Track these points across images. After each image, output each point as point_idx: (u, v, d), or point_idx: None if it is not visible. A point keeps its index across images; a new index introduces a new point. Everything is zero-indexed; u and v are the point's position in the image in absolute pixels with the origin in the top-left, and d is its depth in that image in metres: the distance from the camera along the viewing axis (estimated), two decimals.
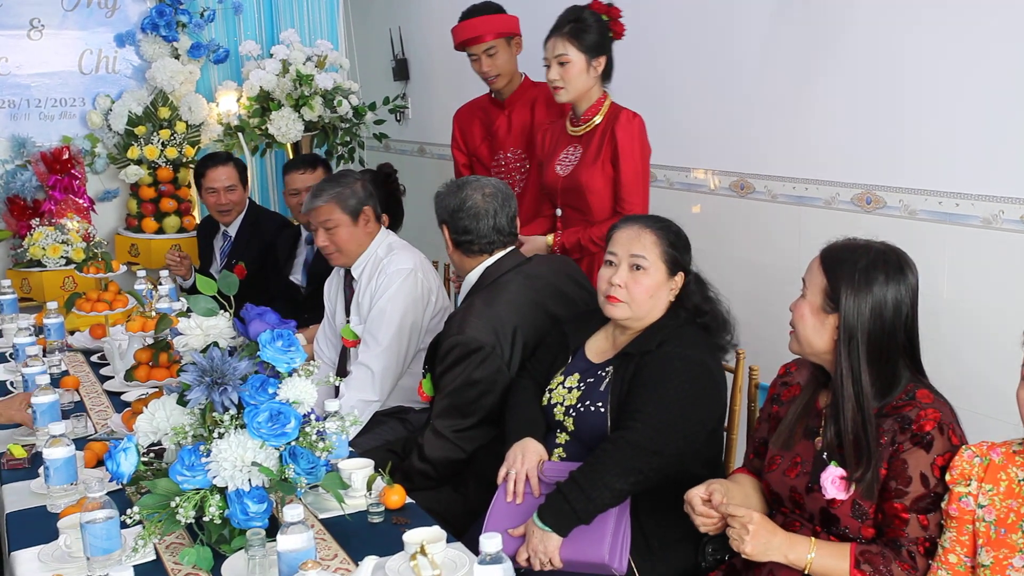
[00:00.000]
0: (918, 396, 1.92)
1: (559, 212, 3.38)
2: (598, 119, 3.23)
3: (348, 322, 3.22)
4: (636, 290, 2.33)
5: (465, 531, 2.44)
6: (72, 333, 3.69)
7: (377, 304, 3.08)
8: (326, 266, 3.82)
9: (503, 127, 3.77)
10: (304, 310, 3.94)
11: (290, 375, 2.09)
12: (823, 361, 2.02)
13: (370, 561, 1.64)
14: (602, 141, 3.20)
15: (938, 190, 3.05)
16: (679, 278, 2.38)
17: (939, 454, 1.85)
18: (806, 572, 1.93)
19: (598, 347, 2.47)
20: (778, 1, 3.49)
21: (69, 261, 4.36)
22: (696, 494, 2.04)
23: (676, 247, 2.38)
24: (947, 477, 1.81)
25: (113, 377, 3.21)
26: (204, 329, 2.18)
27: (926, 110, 3.05)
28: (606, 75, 3.24)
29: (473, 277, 2.77)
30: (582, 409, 2.36)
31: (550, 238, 3.34)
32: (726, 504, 1.99)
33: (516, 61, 3.74)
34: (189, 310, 2.19)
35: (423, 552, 1.14)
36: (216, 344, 2.14)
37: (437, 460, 2.64)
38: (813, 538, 1.94)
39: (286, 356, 2.09)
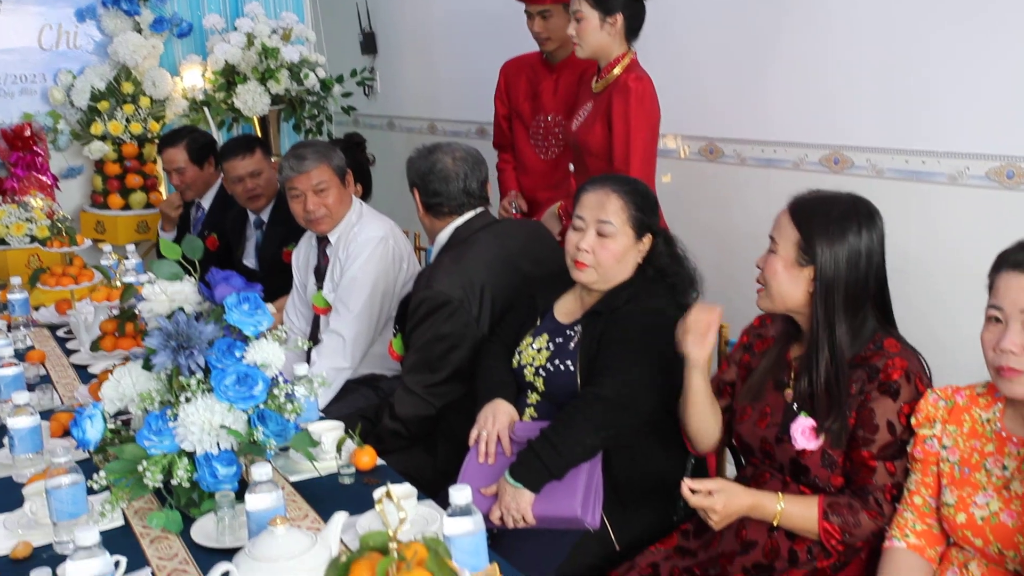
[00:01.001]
0: (886, 346, 1.93)
1: (571, 167, 3.36)
2: (615, 75, 3.14)
3: (320, 290, 3.20)
4: (603, 255, 2.33)
5: (437, 493, 2.43)
6: (37, 309, 3.64)
7: (348, 272, 3.06)
8: (276, 250, 3.80)
9: (548, 90, 3.70)
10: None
11: (257, 338, 2.07)
12: (796, 315, 2.03)
13: (340, 516, 1.63)
14: (606, 100, 3.14)
15: (905, 148, 3.07)
16: (647, 240, 2.37)
17: (906, 402, 1.87)
18: (776, 523, 1.94)
19: (567, 308, 2.47)
20: None
21: (34, 239, 4.30)
22: (687, 492, 1.95)
23: (643, 210, 2.36)
24: (912, 421, 1.82)
25: (79, 351, 3.17)
26: (169, 295, 2.15)
27: (891, 69, 3.06)
28: (632, 31, 3.16)
29: (443, 237, 2.77)
30: (552, 369, 2.36)
31: (555, 207, 3.33)
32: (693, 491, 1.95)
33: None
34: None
35: (389, 496, 1.13)
36: (181, 309, 2.11)
37: (408, 417, 2.65)
38: (780, 492, 1.95)
39: (252, 319, 2.07)
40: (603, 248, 2.33)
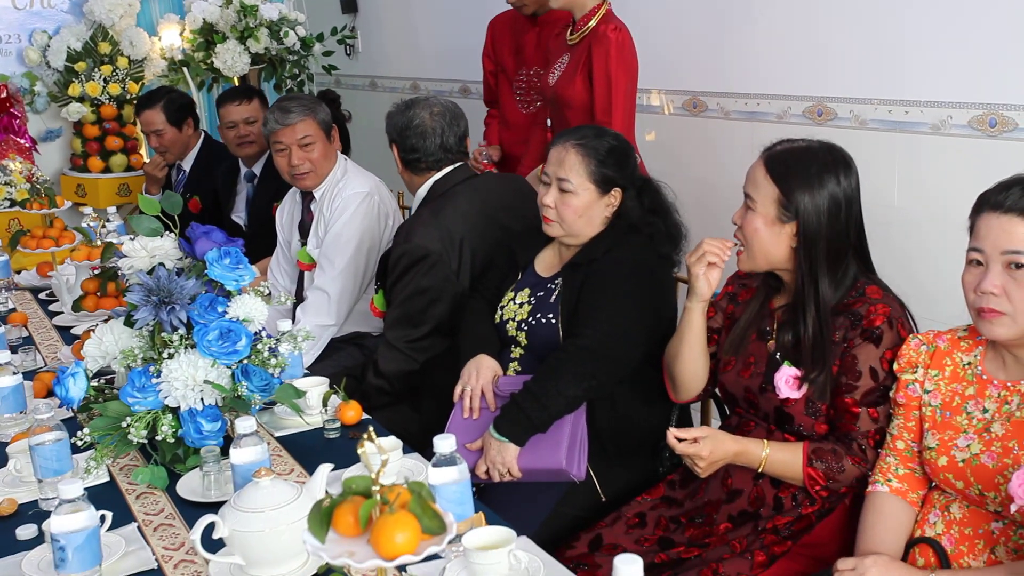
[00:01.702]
0: (868, 292, 1.93)
1: (549, 123, 3.32)
2: (591, 26, 3.11)
3: (304, 246, 3.18)
4: (564, 211, 2.32)
5: (423, 450, 2.44)
6: (19, 272, 3.61)
7: (333, 228, 3.05)
8: (268, 203, 3.77)
9: (530, 44, 3.68)
10: (248, 250, 3.87)
11: (239, 293, 2.06)
12: (780, 270, 2.02)
13: (325, 468, 1.63)
14: (584, 52, 3.11)
15: (888, 99, 3.06)
16: (615, 194, 2.34)
17: (888, 348, 1.87)
18: (761, 470, 1.96)
19: (547, 262, 2.47)
20: None
21: (13, 203, 4.25)
22: (672, 439, 1.96)
23: (607, 164, 2.32)
24: (895, 366, 1.83)
25: (62, 312, 3.15)
26: (149, 250, 2.14)
27: (874, 19, 3.04)
28: None
29: (423, 192, 2.76)
30: (533, 322, 2.36)
31: (538, 169, 3.29)
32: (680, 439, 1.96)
33: None
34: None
35: (370, 438, 1.13)
36: (162, 264, 2.10)
37: (391, 373, 2.65)
38: (766, 439, 1.96)
39: (234, 274, 2.06)
40: (564, 204, 2.32)
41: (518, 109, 3.72)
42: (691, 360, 2.13)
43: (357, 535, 1.12)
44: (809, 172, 1.91)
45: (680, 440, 1.94)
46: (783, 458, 1.94)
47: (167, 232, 2.15)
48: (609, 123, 2.97)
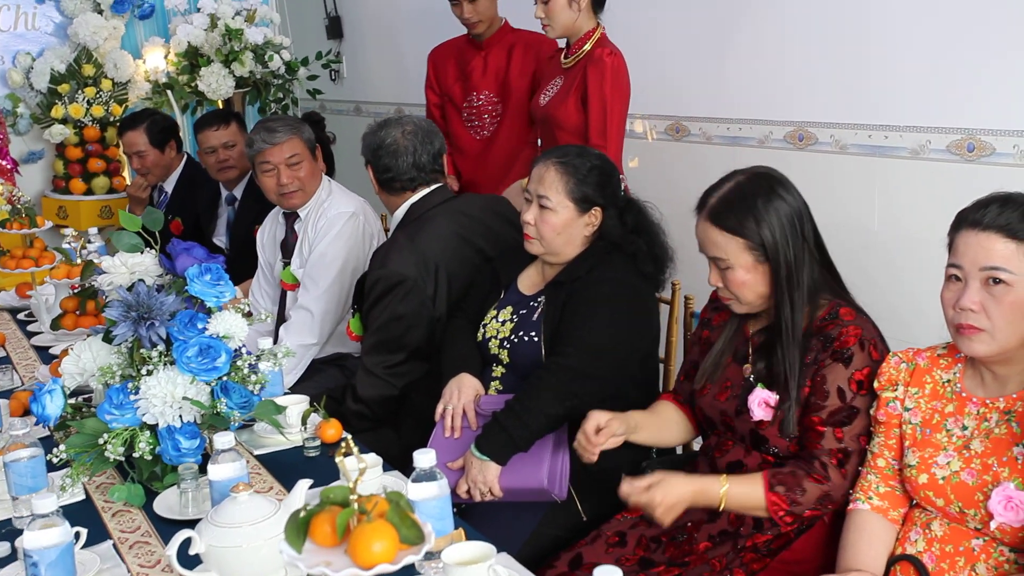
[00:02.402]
0: (841, 314, 1.94)
1: (539, 142, 3.35)
2: (586, 49, 3.16)
3: (287, 265, 3.17)
4: (544, 228, 2.33)
5: (404, 470, 2.43)
6: None
7: (318, 247, 3.04)
8: (249, 226, 3.76)
9: (478, 69, 3.72)
10: (230, 273, 3.86)
11: (219, 309, 2.05)
12: (767, 305, 2.00)
13: (304, 484, 1.62)
14: (579, 75, 3.14)
15: (867, 124, 3.09)
16: (595, 213, 2.35)
17: (857, 369, 1.88)
18: (721, 507, 1.93)
19: (530, 280, 2.47)
20: None
21: None
22: (593, 419, 2.02)
23: (587, 183, 2.33)
24: (875, 384, 1.83)
25: (41, 332, 3.12)
26: (129, 267, 2.12)
27: (853, 45, 3.08)
28: (598, 5, 3.17)
29: (400, 214, 2.76)
30: (516, 340, 2.36)
31: (524, 181, 3.30)
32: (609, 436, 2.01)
33: (496, 5, 3.69)
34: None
35: (348, 447, 1.12)
36: (142, 280, 2.09)
37: (371, 399, 2.63)
38: (724, 475, 1.95)
39: (215, 290, 2.05)
40: (543, 221, 2.33)
41: (470, 135, 3.75)
42: (665, 443, 2.21)
43: (334, 545, 1.11)
44: (757, 208, 1.92)
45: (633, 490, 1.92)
46: (743, 490, 1.92)
47: (147, 248, 2.14)
48: (604, 146, 2.99)
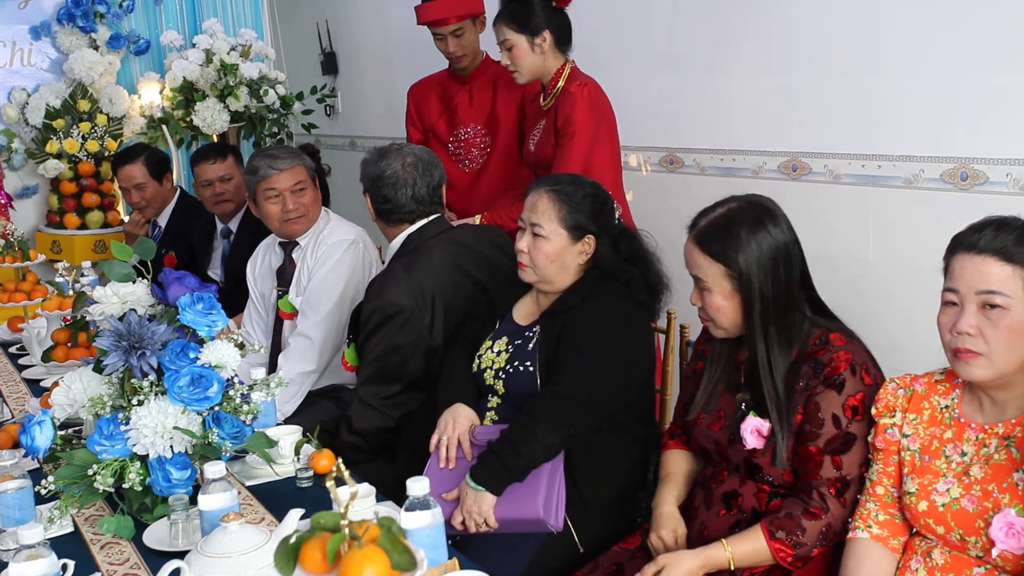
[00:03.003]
0: (831, 339, 1.93)
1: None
2: (560, 85, 3.16)
3: (284, 294, 3.15)
4: (536, 256, 2.32)
5: (398, 501, 2.40)
6: None
7: (318, 274, 3.04)
8: (244, 259, 3.75)
9: (464, 103, 3.71)
10: (224, 306, 3.84)
11: (212, 339, 2.03)
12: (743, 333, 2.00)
13: (295, 513, 1.59)
14: (555, 115, 3.13)
15: (861, 153, 3.09)
16: (588, 241, 2.35)
17: (851, 394, 1.86)
18: (732, 568, 1.90)
19: (525, 310, 2.46)
20: None
21: None
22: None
23: (580, 211, 2.32)
24: (873, 410, 1.82)
25: (32, 366, 3.10)
26: (121, 296, 2.11)
27: (847, 75, 3.09)
28: (563, 42, 3.15)
29: (396, 244, 2.75)
30: (511, 370, 2.34)
31: (476, 218, 3.27)
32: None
33: (479, 39, 3.69)
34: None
35: (339, 472, 1.11)
36: (134, 310, 2.07)
37: (366, 431, 2.61)
38: (724, 540, 1.92)
39: (207, 319, 2.03)
40: (536, 249, 2.32)
41: (458, 169, 3.71)
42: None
43: (325, 571, 1.09)
44: (740, 237, 1.92)
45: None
46: (746, 548, 1.89)
47: (140, 278, 2.13)
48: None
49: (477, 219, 3.27)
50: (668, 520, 2.05)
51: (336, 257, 3.03)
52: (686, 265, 2.01)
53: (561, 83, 3.15)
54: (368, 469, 2.57)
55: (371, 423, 2.62)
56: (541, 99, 3.26)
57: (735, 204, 1.98)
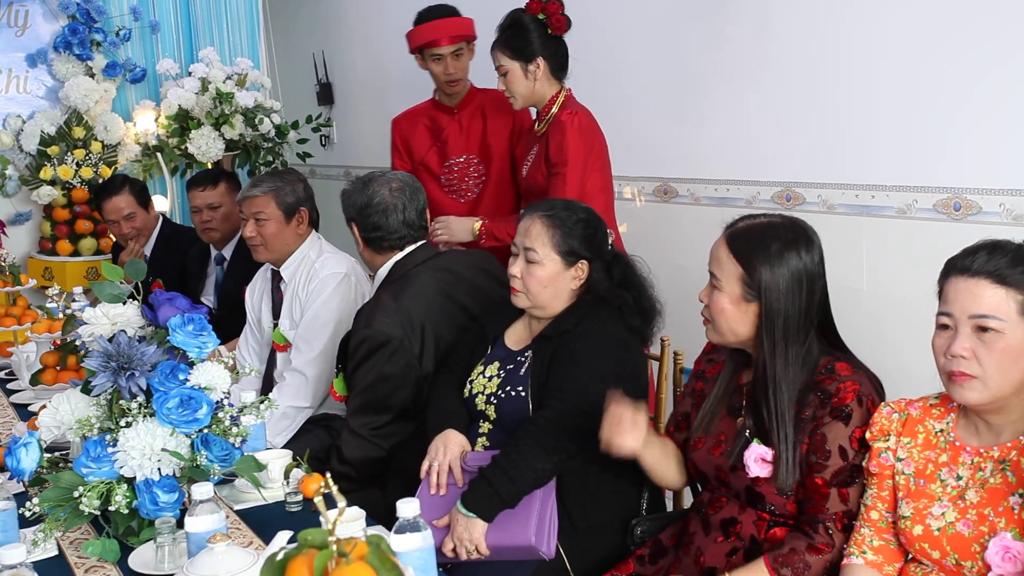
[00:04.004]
0: (837, 369, 1.90)
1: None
2: (554, 112, 3.17)
3: (276, 325, 3.14)
4: (530, 281, 2.32)
5: (389, 528, 2.37)
6: None
7: (311, 308, 3.02)
8: (238, 287, 3.74)
9: (454, 133, 3.68)
10: (217, 333, 3.82)
11: (202, 360, 2.01)
12: (745, 346, 2.00)
13: (283, 536, 1.57)
14: (547, 142, 3.14)
15: (854, 183, 3.10)
16: (582, 266, 2.34)
17: (857, 426, 1.84)
18: None
19: (517, 335, 2.45)
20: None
21: None
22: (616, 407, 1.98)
23: (573, 236, 2.32)
24: (867, 435, 1.80)
25: (21, 391, 3.07)
26: (111, 317, 2.09)
27: (840, 106, 3.11)
28: (558, 70, 3.17)
29: (383, 272, 2.74)
30: (503, 396, 2.32)
31: (477, 224, 3.26)
32: None
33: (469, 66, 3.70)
34: None
35: (327, 487, 1.09)
36: (123, 331, 2.05)
37: (356, 460, 2.58)
38: (727, 573, 1.90)
39: (197, 340, 2.02)
40: (530, 275, 2.32)
41: (451, 200, 3.67)
42: (663, 477, 2.14)
43: None
44: (770, 249, 1.89)
45: None
46: None
47: (130, 299, 2.11)
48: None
49: (477, 224, 3.26)
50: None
51: (328, 292, 3.02)
52: (709, 262, 1.99)
53: (554, 110, 3.17)
54: (358, 498, 2.54)
55: (361, 453, 2.59)
56: (536, 125, 3.27)
57: (777, 219, 1.97)
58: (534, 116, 3.36)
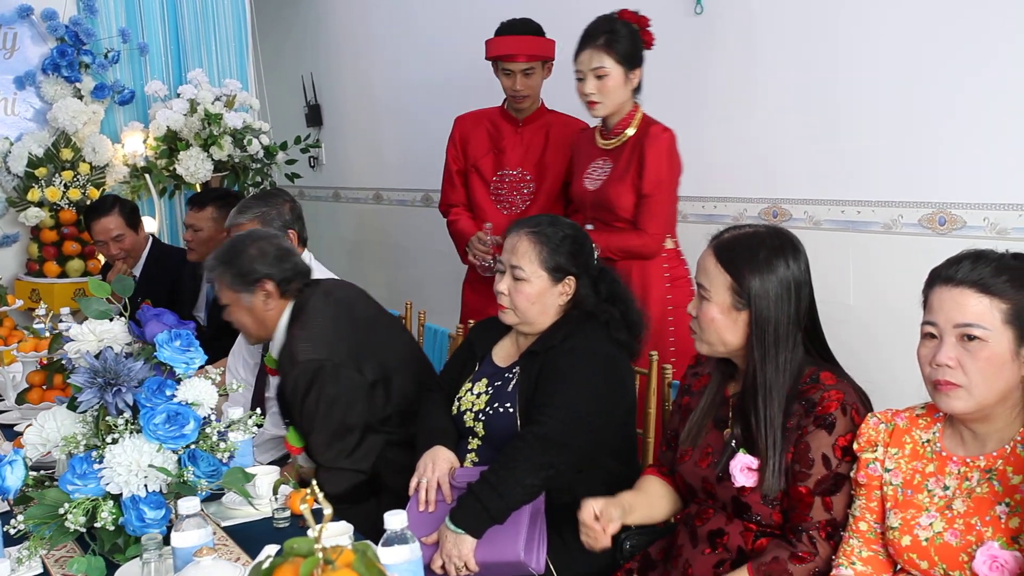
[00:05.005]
0: (822, 378, 1.91)
1: (590, 227, 3.16)
2: (630, 131, 3.08)
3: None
4: (517, 298, 2.33)
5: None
6: None
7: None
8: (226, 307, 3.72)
9: (513, 144, 3.62)
10: (207, 351, 3.80)
11: (189, 376, 2.01)
12: (734, 356, 2.00)
13: (271, 549, 1.56)
14: (632, 155, 3.05)
15: (840, 199, 3.12)
16: (569, 282, 2.35)
17: (841, 435, 1.84)
18: None
19: (505, 352, 2.45)
20: (677, 12, 3.57)
21: None
22: (589, 507, 1.97)
23: (560, 252, 2.33)
24: (855, 445, 1.80)
25: (7, 411, 3.06)
26: (97, 334, 2.09)
27: (825, 122, 3.14)
28: (637, 87, 3.10)
29: (285, 317, 2.68)
30: (491, 412, 2.32)
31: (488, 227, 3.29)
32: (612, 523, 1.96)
33: (542, 84, 3.64)
34: None
35: (313, 494, 1.09)
36: (110, 347, 2.05)
37: (343, 494, 2.51)
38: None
39: (184, 356, 2.01)
40: (517, 292, 2.33)
41: (496, 210, 3.64)
42: (659, 517, 2.14)
43: None
44: (758, 257, 1.91)
45: None
46: None
47: (117, 316, 2.11)
48: (649, 222, 2.99)
49: (488, 227, 3.29)
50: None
51: None
52: (696, 273, 2.00)
53: (632, 129, 3.07)
54: (348, 514, 2.52)
55: (346, 483, 2.53)
56: (599, 137, 3.18)
57: (763, 228, 1.99)
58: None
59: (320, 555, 1.06)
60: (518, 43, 3.49)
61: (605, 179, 3.12)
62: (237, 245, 2.68)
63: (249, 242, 2.68)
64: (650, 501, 2.13)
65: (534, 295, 2.32)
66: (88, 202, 4.94)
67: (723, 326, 1.94)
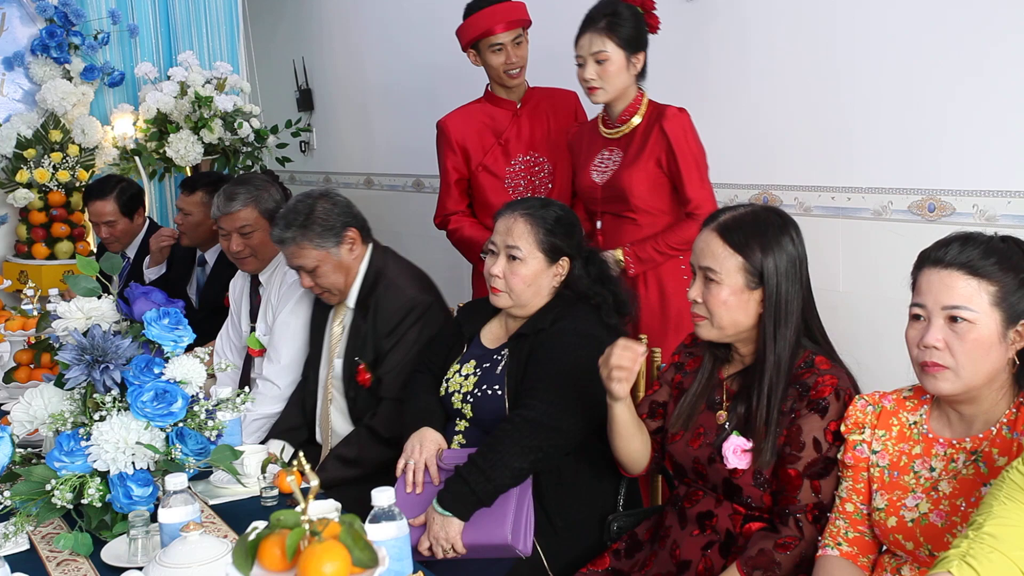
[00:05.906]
0: (816, 363, 1.92)
1: (599, 224, 3.03)
2: (637, 119, 2.94)
3: (253, 329, 3.12)
4: (513, 280, 2.32)
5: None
6: None
7: (280, 315, 2.99)
8: (218, 291, 3.71)
9: (519, 129, 3.42)
10: (198, 335, 3.79)
11: (177, 355, 2.00)
12: (742, 337, 1.98)
13: (258, 525, 1.56)
14: (644, 141, 2.91)
15: (831, 185, 3.13)
16: (563, 263, 2.35)
17: (833, 419, 1.85)
18: None
19: (493, 333, 2.45)
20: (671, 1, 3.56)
21: None
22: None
23: (555, 233, 2.33)
24: (842, 428, 1.81)
25: None
26: (85, 312, 2.08)
27: (817, 110, 3.13)
28: (641, 72, 2.96)
29: (364, 264, 2.77)
30: (479, 394, 2.32)
31: (619, 252, 2.91)
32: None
33: None
34: None
35: (300, 466, 1.08)
36: (98, 325, 2.04)
37: (395, 438, 2.49)
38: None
39: (173, 334, 2.01)
40: (513, 273, 2.32)
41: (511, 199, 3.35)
42: (627, 447, 2.10)
43: (284, 569, 1.07)
44: (767, 235, 1.91)
45: None
46: None
47: (105, 293, 2.10)
48: (698, 198, 2.85)
49: (618, 253, 2.92)
50: None
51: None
52: (694, 257, 1.97)
53: (640, 115, 2.95)
54: (337, 494, 2.52)
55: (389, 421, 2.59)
56: (602, 127, 3.04)
57: (760, 207, 1.98)
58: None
59: (307, 527, 1.06)
60: (498, 13, 3.30)
61: (616, 168, 2.98)
62: (302, 207, 2.70)
63: (311, 201, 2.72)
64: (639, 422, 2.11)
65: (530, 276, 2.31)
66: (78, 184, 4.92)
67: (736, 307, 1.92)
